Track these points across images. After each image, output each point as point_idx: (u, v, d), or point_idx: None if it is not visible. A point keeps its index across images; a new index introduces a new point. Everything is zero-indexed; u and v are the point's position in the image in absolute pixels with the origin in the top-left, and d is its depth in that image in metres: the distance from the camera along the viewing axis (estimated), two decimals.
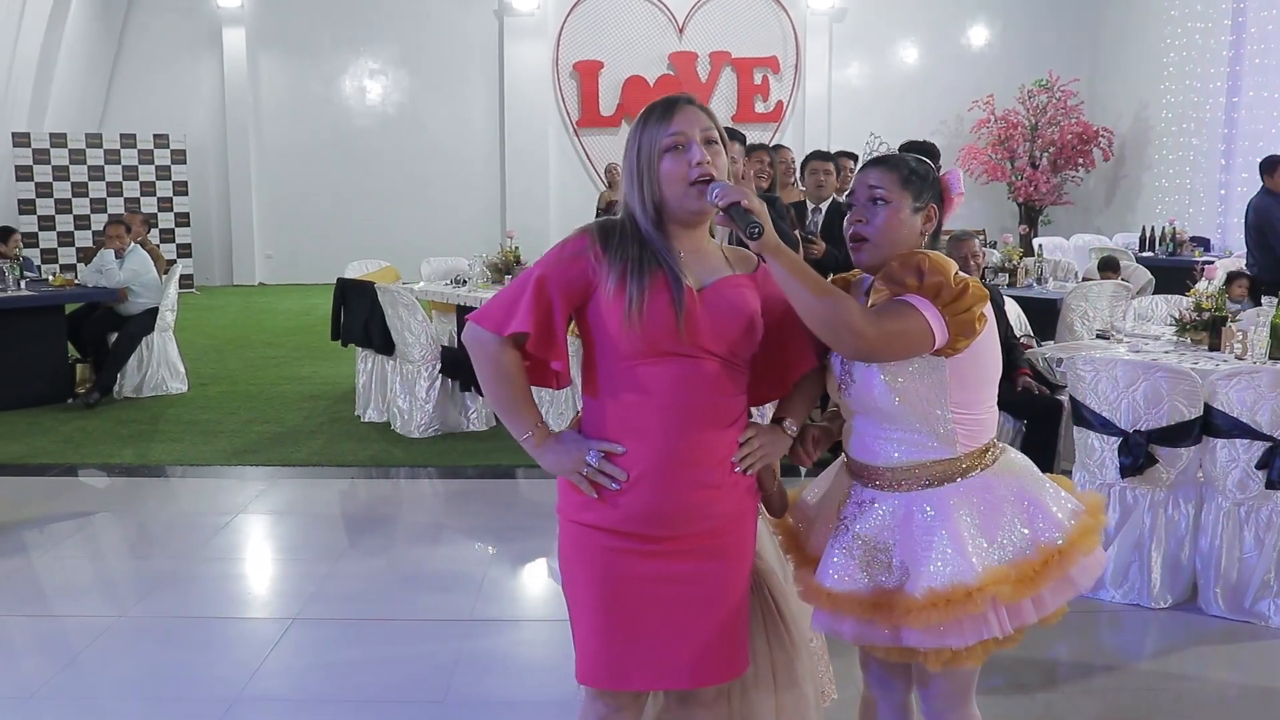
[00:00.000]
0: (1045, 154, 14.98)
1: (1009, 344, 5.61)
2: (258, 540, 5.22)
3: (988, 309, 2.23)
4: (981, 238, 9.43)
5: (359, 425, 7.17)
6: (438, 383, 6.83)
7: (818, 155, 6.47)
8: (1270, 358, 4.43)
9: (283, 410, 7.61)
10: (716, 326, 2.12)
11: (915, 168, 2.29)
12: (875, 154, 2.41)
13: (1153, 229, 11.03)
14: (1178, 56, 13.33)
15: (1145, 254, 10.63)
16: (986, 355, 2.26)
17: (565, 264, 2.14)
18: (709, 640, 2.19)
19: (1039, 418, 5.24)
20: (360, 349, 7.43)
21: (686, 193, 2.12)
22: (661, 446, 2.11)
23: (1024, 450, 5.48)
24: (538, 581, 4.72)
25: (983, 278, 5.51)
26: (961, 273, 2.21)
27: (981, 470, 2.23)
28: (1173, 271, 8.93)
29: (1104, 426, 4.18)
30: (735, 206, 2.07)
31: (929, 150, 2.40)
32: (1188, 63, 13.12)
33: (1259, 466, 3.94)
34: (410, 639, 3.97)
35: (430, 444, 6.69)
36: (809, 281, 2.12)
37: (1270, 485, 3.92)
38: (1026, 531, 2.19)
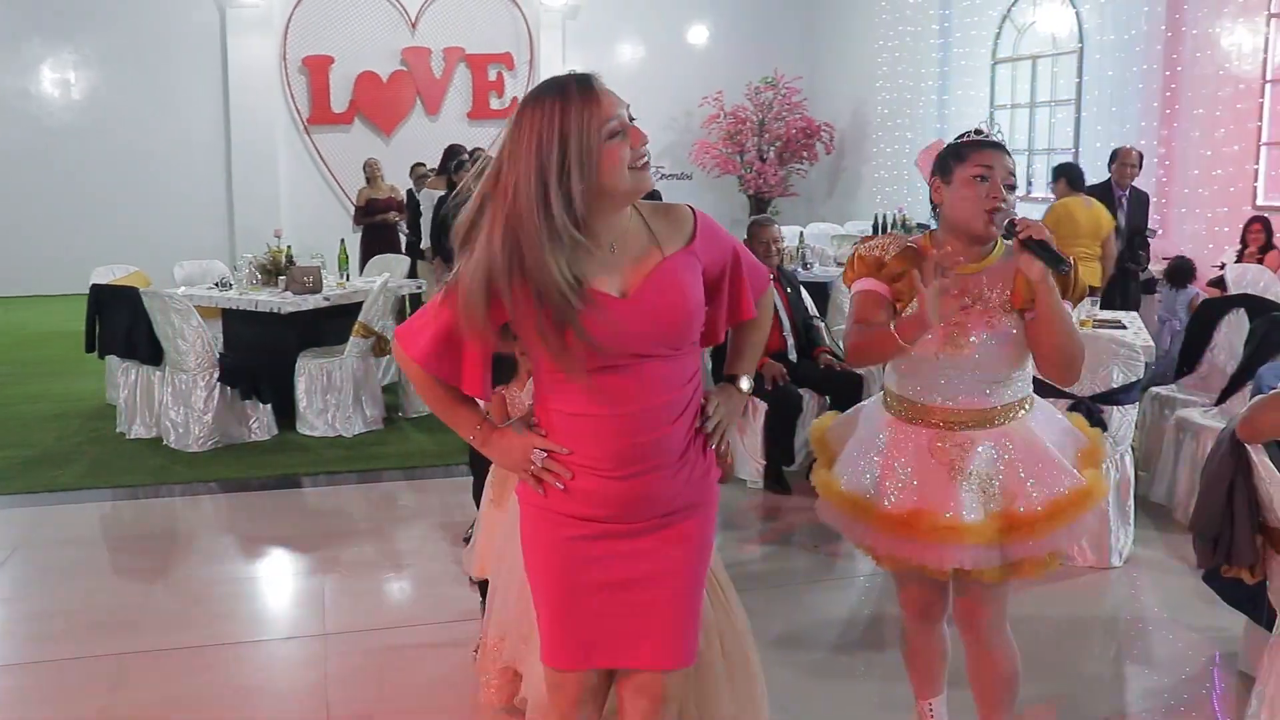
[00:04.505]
0: (772, 148, 15.71)
1: (808, 324, 5.88)
2: (32, 577, 4.68)
3: None
4: None
5: (126, 443, 6.58)
6: (216, 392, 6.41)
7: None
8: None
9: (31, 432, 6.87)
10: (654, 331, 2.01)
11: None
12: (996, 136, 2.53)
13: (884, 216, 11.81)
14: (891, 57, 14.30)
15: None
16: None
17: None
18: (666, 623, 2.15)
19: (841, 392, 5.52)
20: (121, 360, 6.83)
21: (624, 175, 1.95)
22: (612, 450, 2.04)
23: None
24: (378, 588, 4.53)
25: (780, 263, 5.73)
26: None
27: (1035, 402, 2.59)
28: None
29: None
30: (1043, 245, 2.34)
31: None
32: (900, 62, 14.10)
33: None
34: (265, 661, 3.72)
35: (212, 457, 6.26)
36: (1070, 322, 2.43)
37: None
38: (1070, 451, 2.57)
